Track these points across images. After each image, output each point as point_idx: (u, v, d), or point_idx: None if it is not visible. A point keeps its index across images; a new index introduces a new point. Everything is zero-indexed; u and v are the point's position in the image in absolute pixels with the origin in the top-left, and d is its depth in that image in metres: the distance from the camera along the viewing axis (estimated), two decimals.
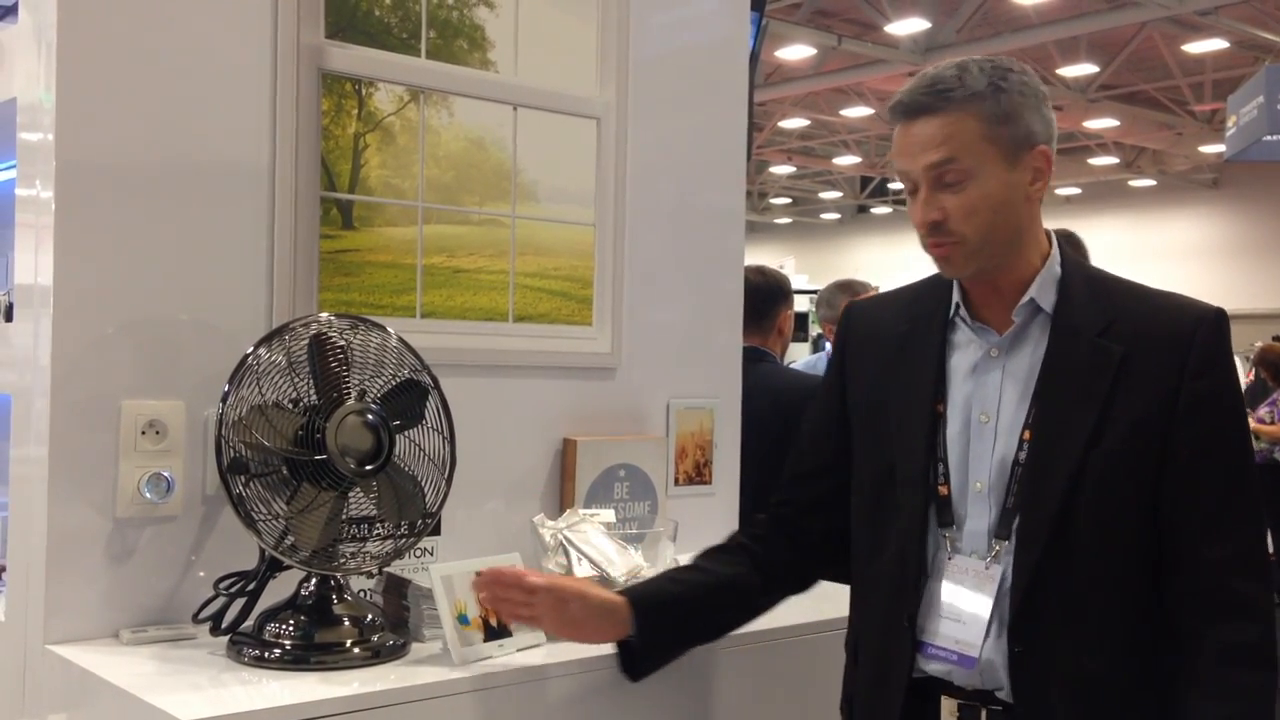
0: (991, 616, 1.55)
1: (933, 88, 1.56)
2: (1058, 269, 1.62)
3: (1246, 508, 1.55)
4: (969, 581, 1.58)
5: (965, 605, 1.57)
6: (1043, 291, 1.60)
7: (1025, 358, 1.60)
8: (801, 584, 1.87)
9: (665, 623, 1.73)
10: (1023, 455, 1.56)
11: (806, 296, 17.90)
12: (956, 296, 1.66)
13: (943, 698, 1.59)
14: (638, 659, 1.72)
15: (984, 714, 1.57)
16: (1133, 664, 1.55)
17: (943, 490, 1.61)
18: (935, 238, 1.58)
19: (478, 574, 1.71)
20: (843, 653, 1.79)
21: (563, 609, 1.67)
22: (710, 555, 1.84)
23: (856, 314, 1.83)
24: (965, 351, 1.65)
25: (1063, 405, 1.56)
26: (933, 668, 1.60)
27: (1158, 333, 1.56)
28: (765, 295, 3.57)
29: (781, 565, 1.81)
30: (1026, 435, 1.57)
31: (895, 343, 1.71)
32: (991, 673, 1.56)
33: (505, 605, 1.70)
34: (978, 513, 1.59)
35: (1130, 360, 1.55)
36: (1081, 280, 1.62)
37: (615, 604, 1.70)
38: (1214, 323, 1.56)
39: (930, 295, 1.71)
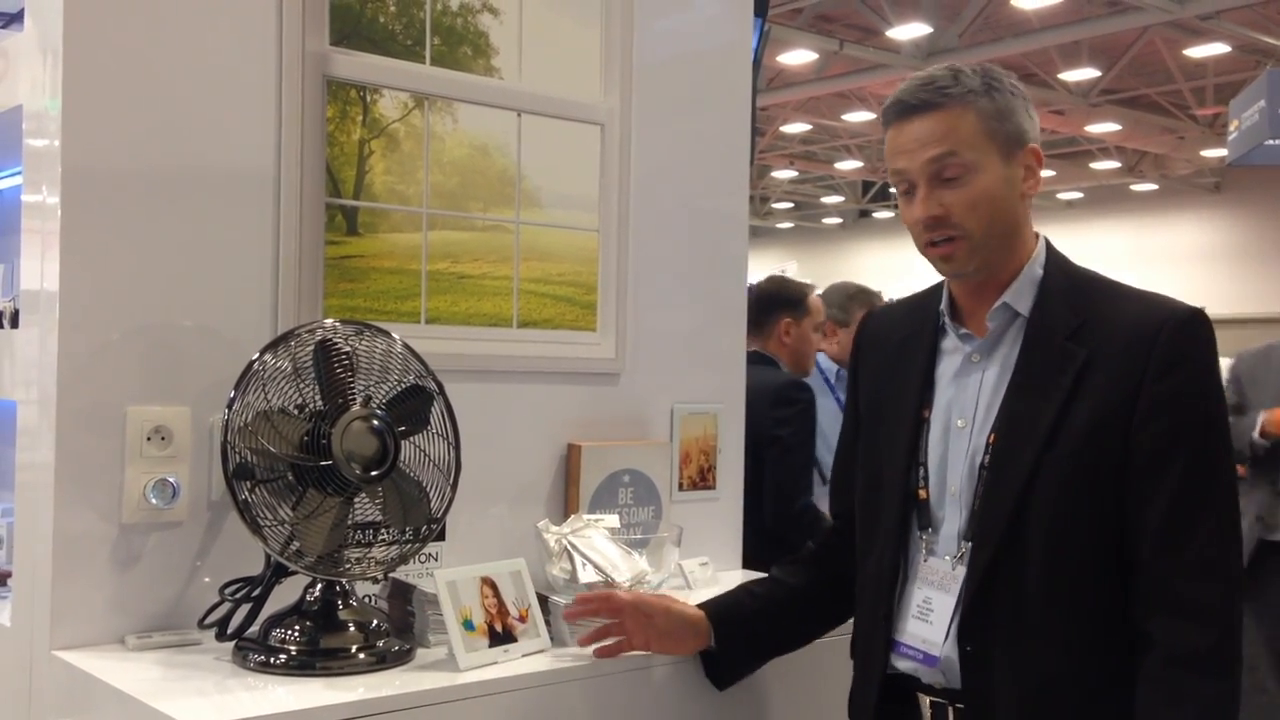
0: (952, 616, 1.58)
1: (930, 85, 1.59)
2: (1039, 271, 1.63)
3: (1210, 511, 1.51)
4: (938, 582, 1.61)
5: (933, 605, 1.61)
6: (1019, 295, 1.62)
7: (1000, 362, 1.62)
8: None
9: (742, 634, 1.81)
10: (987, 459, 1.58)
11: None
12: (944, 304, 1.69)
13: (918, 694, 1.63)
14: (721, 669, 1.81)
15: (951, 712, 1.59)
16: (1086, 669, 1.54)
17: (922, 494, 1.64)
18: (937, 233, 1.59)
19: (573, 602, 1.79)
20: (847, 661, 1.81)
21: (648, 622, 1.76)
22: (786, 567, 1.91)
23: (868, 323, 1.88)
24: (951, 358, 1.68)
25: (1025, 409, 1.57)
26: (903, 665, 1.64)
27: (1123, 334, 1.55)
28: (765, 301, 3.67)
29: (846, 575, 1.83)
30: (991, 438, 1.59)
31: (894, 349, 1.75)
32: (952, 671, 1.58)
33: (600, 633, 1.77)
34: (952, 516, 1.62)
35: (1093, 362, 1.54)
36: (1063, 282, 1.63)
37: (695, 618, 1.79)
38: (1182, 323, 1.54)
39: (928, 302, 1.75)
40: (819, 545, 1.91)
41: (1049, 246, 1.67)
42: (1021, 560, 1.54)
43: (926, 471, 1.64)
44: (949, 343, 1.69)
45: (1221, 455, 1.55)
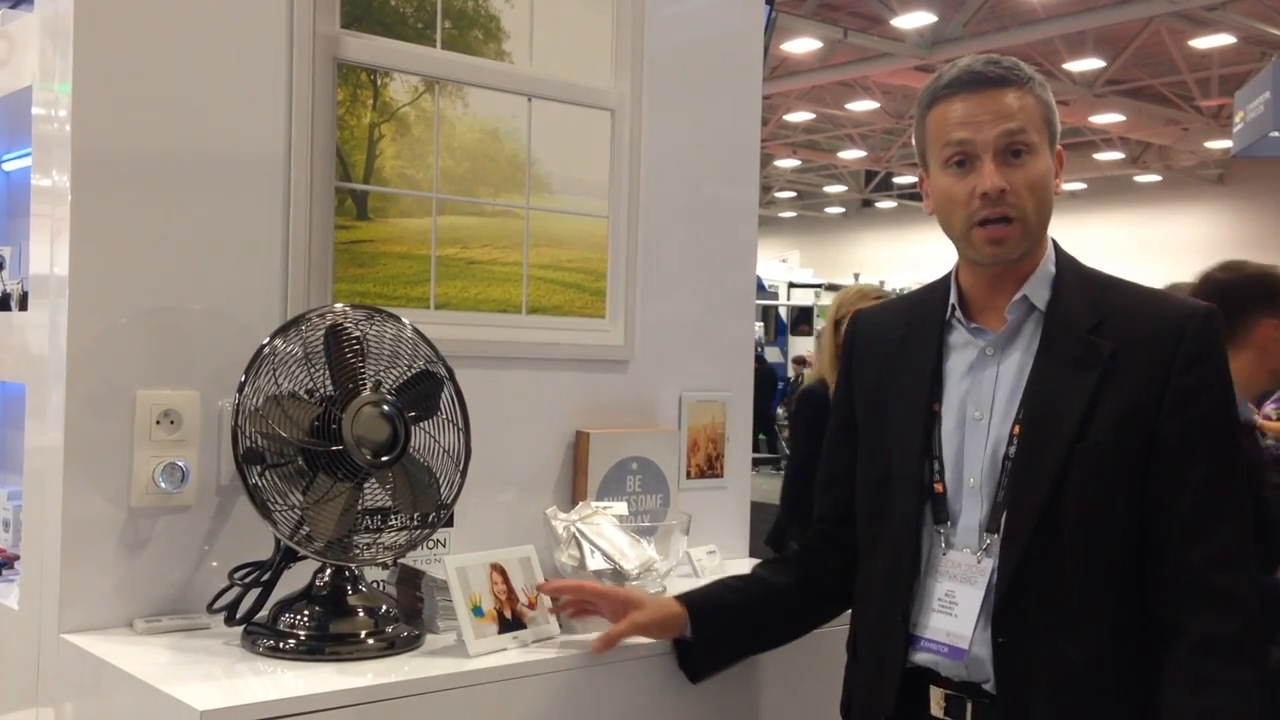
0: (981, 609, 1.57)
1: (1000, 64, 1.60)
2: (1052, 268, 1.64)
3: (1231, 502, 1.54)
4: (961, 575, 1.60)
5: (957, 599, 1.60)
6: (1036, 289, 1.63)
7: (1018, 355, 1.62)
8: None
9: (719, 627, 1.79)
10: (1012, 450, 1.58)
11: (811, 290, 17.86)
12: (953, 299, 1.69)
13: (931, 687, 1.62)
14: (696, 661, 1.78)
15: (970, 705, 1.59)
16: (1118, 657, 1.54)
17: (938, 488, 1.64)
18: (996, 210, 1.57)
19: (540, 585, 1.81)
20: (843, 655, 1.80)
21: (624, 607, 1.76)
22: (768, 565, 1.91)
23: (861, 321, 1.87)
24: (962, 352, 1.67)
25: (1051, 400, 1.57)
26: (922, 659, 1.62)
27: (1147, 329, 1.57)
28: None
29: (830, 576, 1.83)
30: (1016, 430, 1.58)
31: (894, 346, 1.74)
32: (979, 665, 1.58)
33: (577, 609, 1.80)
34: (970, 508, 1.61)
35: (1119, 356, 1.56)
36: (1076, 278, 1.64)
37: (671, 607, 1.78)
38: (1204, 319, 1.57)
39: (929, 300, 1.75)
40: (802, 546, 1.89)
41: (1057, 245, 1.68)
42: (1055, 551, 1.53)
43: (941, 465, 1.64)
44: (958, 337, 1.68)
45: (1238, 446, 1.59)
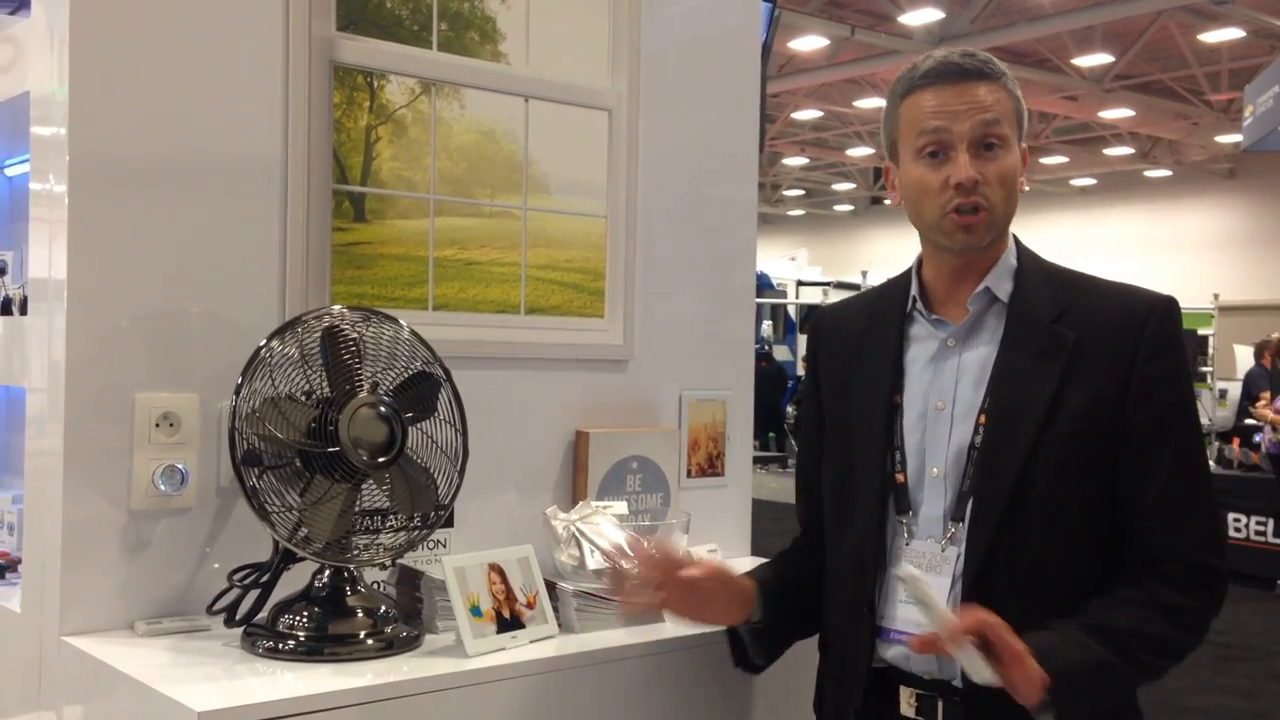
0: (948, 598, 1.57)
1: (975, 58, 1.62)
2: (1014, 261, 1.66)
3: (1198, 488, 1.58)
4: (926, 564, 1.60)
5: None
6: (999, 281, 1.65)
7: (981, 346, 1.64)
8: None
9: (787, 607, 1.76)
10: (978, 439, 1.59)
11: (819, 289, 17.82)
12: (915, 291, 1.70)
13: (900, 687, 1.61)
14: (761, 644, 1.74)
15: (941, 704, 1.58)
16: None
17: (899, 478, 1.64)
18: (969, 199, 1.59)
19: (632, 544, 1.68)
20: (814, 655, 1.79)
21: (690, 592, 1.64)
22: (794, 552, 1.87)
23: (823, 318, 1.89)
24: (923, 344, 1.69)
25: (1017, 390, 1.58)
26: (892, 654, 1.62)
27: (1110, 319, 1.59)
28: None
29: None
30: (982, 420, 1.59)
31: (856, 340, 1.76)
32: (948, 660, 1.56)
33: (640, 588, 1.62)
34: (933, 498, 1.62)
35: (1083, 345, 1.58)
36: (1037, 271, 1.67)
37: (744, 586, 1.72)
38: (1165, 310, 1.60)
39: (889, 293, 1.76)
40: (794, 548, 1.88)
41: (1018, 240, 1.70)
42: (1020, 539, 1.55)
43: (903, 455, 1.65)
44: (919, 329, 1.70)
45: (1199, 431, 1.63)
